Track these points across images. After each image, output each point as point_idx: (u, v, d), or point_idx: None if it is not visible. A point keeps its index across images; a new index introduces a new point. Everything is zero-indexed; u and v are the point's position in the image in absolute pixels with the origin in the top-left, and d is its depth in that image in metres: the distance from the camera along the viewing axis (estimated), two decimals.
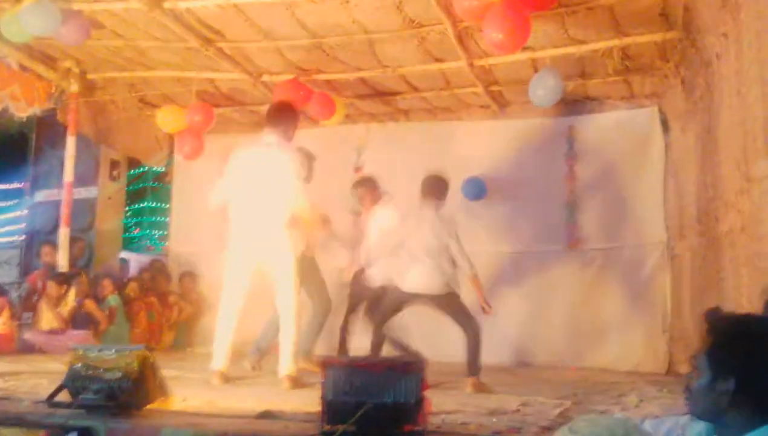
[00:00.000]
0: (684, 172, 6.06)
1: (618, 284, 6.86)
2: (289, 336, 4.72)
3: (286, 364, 4.66)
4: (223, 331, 4.82)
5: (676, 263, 6.46)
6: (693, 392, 1.83)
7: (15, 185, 10.07)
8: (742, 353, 1.74)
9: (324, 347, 6.12)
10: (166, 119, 7.06)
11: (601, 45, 5.77)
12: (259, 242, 4.79)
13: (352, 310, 6.02)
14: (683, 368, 5.90)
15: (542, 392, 4.50)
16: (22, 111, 6.72)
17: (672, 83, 6.27)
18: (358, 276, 5.91)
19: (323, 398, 2.84)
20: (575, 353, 6.82)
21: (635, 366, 6.53)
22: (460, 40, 5.72)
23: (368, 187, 6.10)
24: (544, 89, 5.91)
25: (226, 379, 4.70)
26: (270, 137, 4.91)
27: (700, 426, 1.90)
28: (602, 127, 7.09)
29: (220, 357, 4.77)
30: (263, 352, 5.53)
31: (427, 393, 2.84)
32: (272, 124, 4.95)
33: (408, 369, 2.87)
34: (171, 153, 8.52)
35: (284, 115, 5.02)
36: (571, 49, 5.84)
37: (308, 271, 5.33)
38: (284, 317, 4.77)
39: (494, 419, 3.35)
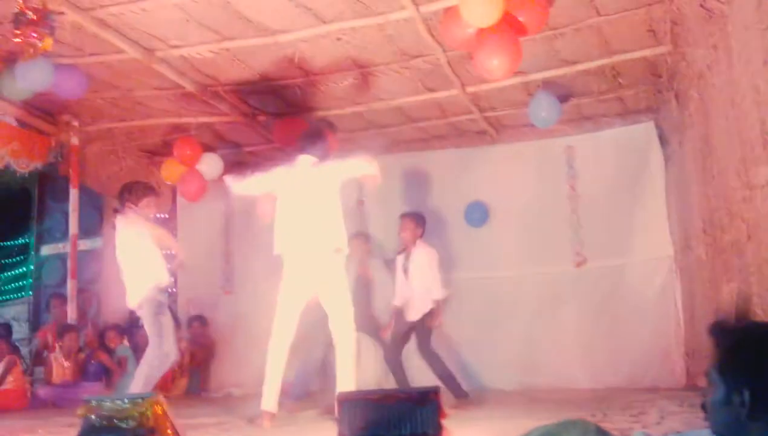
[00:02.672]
0: (685, 184, 6.07)
1: (628, 301, 6.81)
2: (349, 365, 4.58)
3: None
4: (275, 368, 4.58)
5: (685, 276, 6.44)
6: (709, 408, 1.79)
7: (21, 241, 10.10)
8: (752, 363, 1.70)
9: None
10: (170, 171, 7.12)
11: (592, 64, 5.83)
12: (313, 269, 4.61)
13: (402, 344, 6.00)
14: (702, 382, 5.84)
15: (559, 415, 4.44)
16: (24, 167, 6.77)
17: (666, 97, 6.31)
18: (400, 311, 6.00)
19: (340, 433, 2.82)
20: (590, 374, 6.75)
21: (652, 382, 6.45)
22: (453, 68, 5.78)
23: (417, 221, 6.03)
24: (544, 111, 5.95)
25: (275, 421, 4.52)
26: (309, 158, 4.79)
27: None
28: (600, 145, 7.11)
29: (270, 397, 4.53)
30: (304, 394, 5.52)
31: (445, 422, 2.81)
32: (309, 146, 4.85)
33: (424, 399, 2.85)
34: (173, 199, 8.56)
35: (321, 137, 4.94)
36: (563, 71, 5.90)
37: None
38: (343, 345, 4.60)
39: None
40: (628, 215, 6.88)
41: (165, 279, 5.08)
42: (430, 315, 5.79)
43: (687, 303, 6.44)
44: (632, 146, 6.97)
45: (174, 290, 8.69)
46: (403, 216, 6.06)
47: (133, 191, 5.31)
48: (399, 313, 5.99)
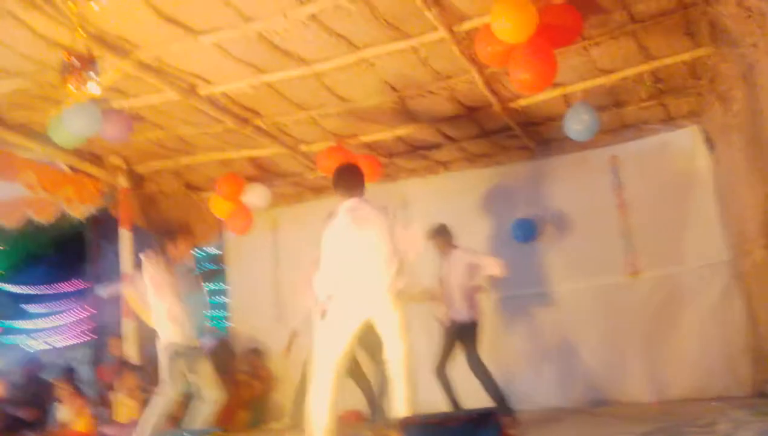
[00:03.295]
0: (736, 186, 5.92)
1: (687, 309, 6.64)
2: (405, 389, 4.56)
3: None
4: (323, 402, 4.55)
5: (744, 280, 6.25)
6: None
7: (77, 284, 10.37)
8: None
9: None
10: (218, 206, 7.26)
11: (631, 72, 5.76)
12: (366, 305, 4.64)
13: (448, 354, 6.02)
14: None
15: (626, 431, 4.34)
16: (77, 211, 6.96)
17: (708, 100, 6.18)
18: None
19: None
20: (654, 386, 6.56)
21: (720, 392, 6.24)
22: (489, 85, 5.78)
23: (445, 235, 6.27)
24: (580, 124, 5.90)
25: None
26: (351, 202, 4.79)
27: None
28: (645, 152, 7.00)
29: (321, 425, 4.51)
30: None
31: None
32: (348, 187, 4.85)
33: (486, 421, 2.82)
34: (221, 234, 8.70)
35: (356, 177, 4.95)
36: (601, 80, 5.85)
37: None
38: (396, 367, 4.60)
39: None
40: (680, 222, 6.74)
41: (175, 334, 5.32)
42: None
43: (748, 308, 6.24)
44: (678, 152, 6.85)
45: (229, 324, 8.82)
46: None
47: (169, 231, 5.53)
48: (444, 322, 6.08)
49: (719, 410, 5.12)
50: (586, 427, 4.97)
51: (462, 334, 5.95)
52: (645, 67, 5.69)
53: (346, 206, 4.75)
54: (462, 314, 5.99)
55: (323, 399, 4.53)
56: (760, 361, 6.04)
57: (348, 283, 4.64)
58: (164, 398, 5.37)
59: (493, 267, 6.00)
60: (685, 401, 6.15)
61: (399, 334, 4.63)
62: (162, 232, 5.52)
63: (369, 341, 5.09)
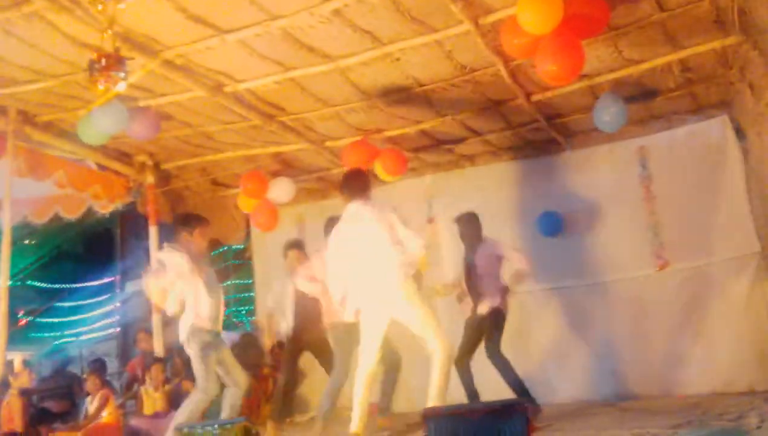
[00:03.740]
0: (767, 176, 5.83)
1: (717, 301, 6.56)
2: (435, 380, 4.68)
3: None
4: (364, 392, 4.81)
5: None
6: None
7: (106, 280, 10.51)
8: None
9: None
10: (245, 202, 7.31)
11: (659, 61, 5.68)
12: (384, 307, 4.82)
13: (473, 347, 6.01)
14: None
15: (654, 424, 4.31)
16: (105, 208, 7.07)
17: (739, 89, 6.09)
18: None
19: None
20: (682, 379, 6.51)
21: (749, 386, 6.17)
22: (515, 77, 5.74)
23: (474, 224, 6.21)
24: (608, 115, 5.84)
25: None
26: (355, 205, 5.02)
27: None
28: (673, 143, 6.91)
29: (359, 420, 4.75)
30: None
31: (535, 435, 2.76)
32: (351, 192, 5.08)
33: (511, 413, 2.81)
34: (248, 229, 8.76)
35: (361, 181, 5.17)
36: (629, 70, 5.78)
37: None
38: (433, 359, 4.72)
39: None
40: (709, 213, 6.65)
41: (201, 320, 5.24)
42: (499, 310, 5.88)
43: None
44: (707, 142, 6.75)
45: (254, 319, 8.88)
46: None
47: (186, 223, 5.52)
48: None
49: (748, 403, 5.07)
50: (613, 420, 4.95)
51: (487, 325, 5.89)
52: (673, 57, 5.61)
53: (348, 210, 5.01)
54: (488, 306, 5.91)
55: (361, 395, 4.76)
56: None
57: (359, 284, 4.83)
58: (202, 395, 5.27)
59: (520, 261, 5.96)
60: (713, 395, 6.09)
61: (423, 329, 4.70)
62: (179, 224, 5.51)
63: None
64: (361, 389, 4.78)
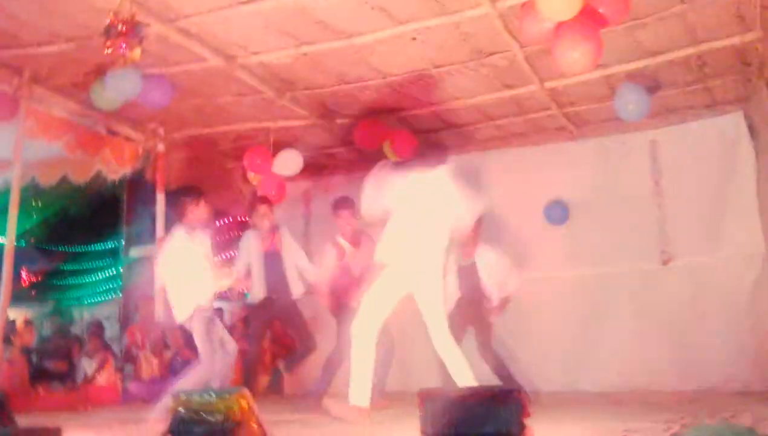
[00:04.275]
0: None
1: (718, 299, 6.56)
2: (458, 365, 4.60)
3: None
4: (367, 363, 4.67)
5: None
6: None
7: (111, 245, 10.56)
8: None
9: None
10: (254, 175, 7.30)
11: (677, 55, 5.63)
12: (413, 270, 4.71)
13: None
14: None
15: (648, 417, 4.32)
16: (114, 173, 7.07)
17: (756, 86, 6.03)
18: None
19: (423, 431, 2.82)
20: (680, 375, 6.53)
21: (745, 386, 6.18)
22: (531, 63, 5.70)
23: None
24: (632, 103, 5.80)
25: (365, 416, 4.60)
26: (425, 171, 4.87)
27: None
28: (686, 138, 6.87)
29: (362, 392, 4.62)
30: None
31: (529, 421, 2.77)
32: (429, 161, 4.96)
33: (508, 398, 2.81)
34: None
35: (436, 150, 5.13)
36: (646, 62, 5.73)
37: None
38: (441, 350, 4.64)
39: None
40: (717, 210, 6.62)
41: (205, 299, 5.23)
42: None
43: None
44: (720, 139, 6.71)
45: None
46: None
47: (190, 193, 5.51)
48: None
49: (742, 403, 5.08)
50: (608, 412, 4.96)
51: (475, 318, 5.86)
52: (692, 50, 5.56)
53: (416, 176, 4.80)
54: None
55: (365, 365, 4.60)
56: None
57: (398, 252, 4.71)
58: (205, 367, 5.24)
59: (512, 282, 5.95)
60: (709, 392, 6.10)
61: (431, 314, 4.64)
62: (183, 193, 5.49)
63: None
64: (367, 360, 4.63)
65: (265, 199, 6.54)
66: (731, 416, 4.32)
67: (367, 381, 4.61)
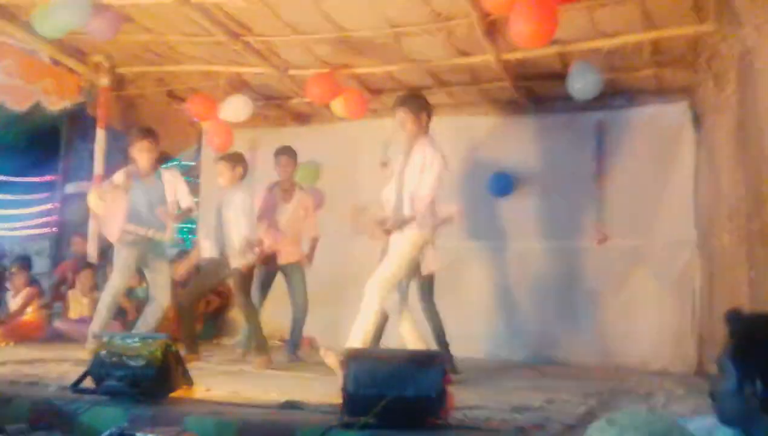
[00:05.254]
0: (715, 168, 5.95)
1: (647, 282, 6.76)
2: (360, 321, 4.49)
3: None
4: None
5: (707, 262, 6.35)
6: (718, 396, 1.75)
7: (47, 178, 10.22)
8: (767, 353, 1.67)
9: None
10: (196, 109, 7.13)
11: (632, 38, 5.69)
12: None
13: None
14: (713, 369, 5.79)
15: (568, 390, 4.45)
16: (54, 105, 6.83)
17: (703, 78, 6.15)
18: None
19: (344, 390, 2.84)
20: (603, 352, 6.72)
21: (664, 366, 6.41)
22: (488, 33, 5.68)
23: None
24: (582, 82, 5.84)
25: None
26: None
27: (728, 432, 1.77)
28: (631, 122, 6.98)
29: None
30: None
31: (450, 387, 2.82)
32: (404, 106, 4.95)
33: (430, 362, 2.86)
34: (200, 147, 8.59)
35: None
36: (601, 43, 5.77)
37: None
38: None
39: (517, 415, 3.32)
40: (654, 196, 6.78)
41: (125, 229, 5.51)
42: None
43: (706, 289, 6.36)
44: (664, 126, 6.83)
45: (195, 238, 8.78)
46: None
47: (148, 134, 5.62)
48: None
49: (659, 382, 5.27)
50: (530, 381, 5.09)
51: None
52: (646, 36, 5.62)
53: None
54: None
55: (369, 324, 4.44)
56: (707, 341, 6.20)
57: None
58: (111, 288, 5.57)
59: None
60: (629, 370, 6.30)
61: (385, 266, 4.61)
62: (129, 132, 5.44)
63: None
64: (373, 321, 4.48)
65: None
66: (647, 396, 4.49)
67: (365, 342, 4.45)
